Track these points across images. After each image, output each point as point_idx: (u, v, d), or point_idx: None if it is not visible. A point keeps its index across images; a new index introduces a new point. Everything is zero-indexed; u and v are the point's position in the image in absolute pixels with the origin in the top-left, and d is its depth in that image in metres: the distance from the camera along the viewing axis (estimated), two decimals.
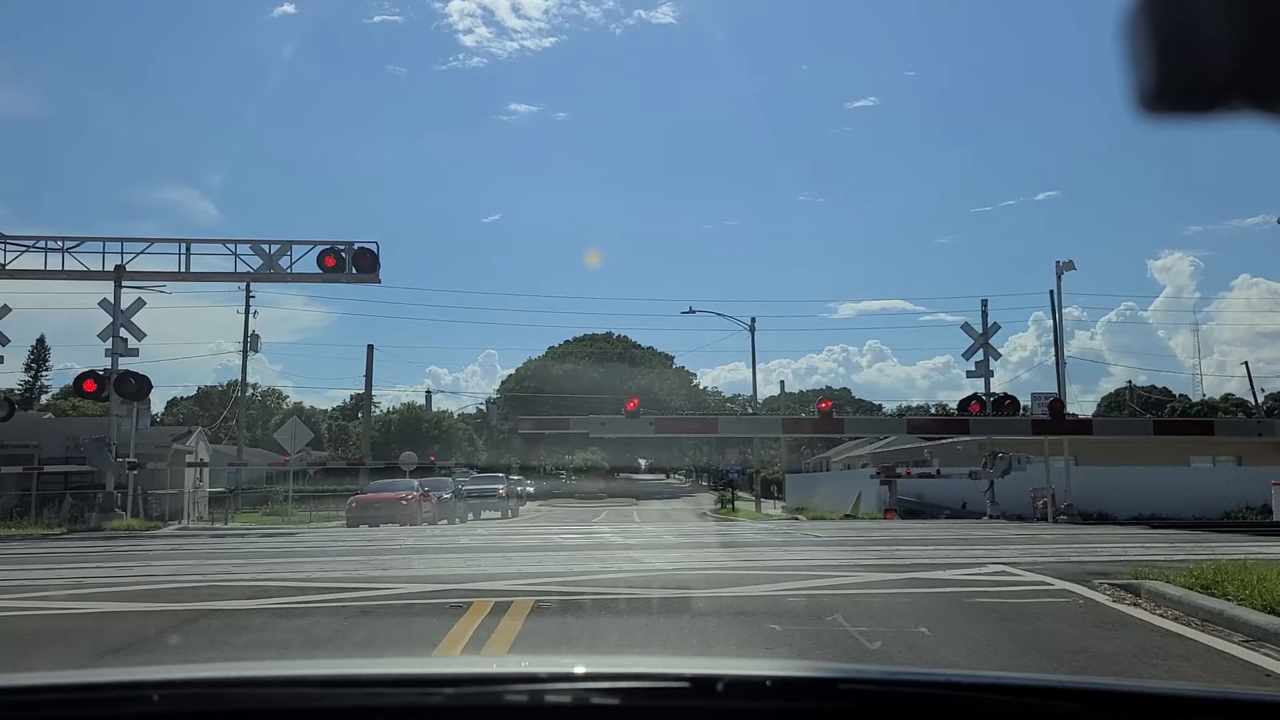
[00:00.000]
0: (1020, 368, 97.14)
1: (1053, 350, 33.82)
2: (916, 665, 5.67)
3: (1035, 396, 30.27)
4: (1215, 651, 6.21)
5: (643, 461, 75.05)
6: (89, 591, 9.47)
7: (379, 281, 27.13)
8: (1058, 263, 30.56)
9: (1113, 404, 73.07)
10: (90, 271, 26.51)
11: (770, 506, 44.33)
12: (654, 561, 12.29)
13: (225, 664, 3.95)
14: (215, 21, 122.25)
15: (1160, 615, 7.51)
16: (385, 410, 74.21)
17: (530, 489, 54.30)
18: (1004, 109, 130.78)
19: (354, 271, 26.55)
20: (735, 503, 43.59)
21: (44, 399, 68.43)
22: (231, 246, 26.98)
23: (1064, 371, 31.34)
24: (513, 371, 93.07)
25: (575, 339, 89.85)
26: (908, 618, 7.37)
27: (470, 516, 34.59)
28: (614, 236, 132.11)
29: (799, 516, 33.40)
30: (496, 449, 75.25)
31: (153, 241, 27.28)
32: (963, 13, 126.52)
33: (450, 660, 4.82)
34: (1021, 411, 29.82)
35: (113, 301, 25.89)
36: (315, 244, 26.70)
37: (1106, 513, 27.82)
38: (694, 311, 45.61)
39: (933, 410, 74.49)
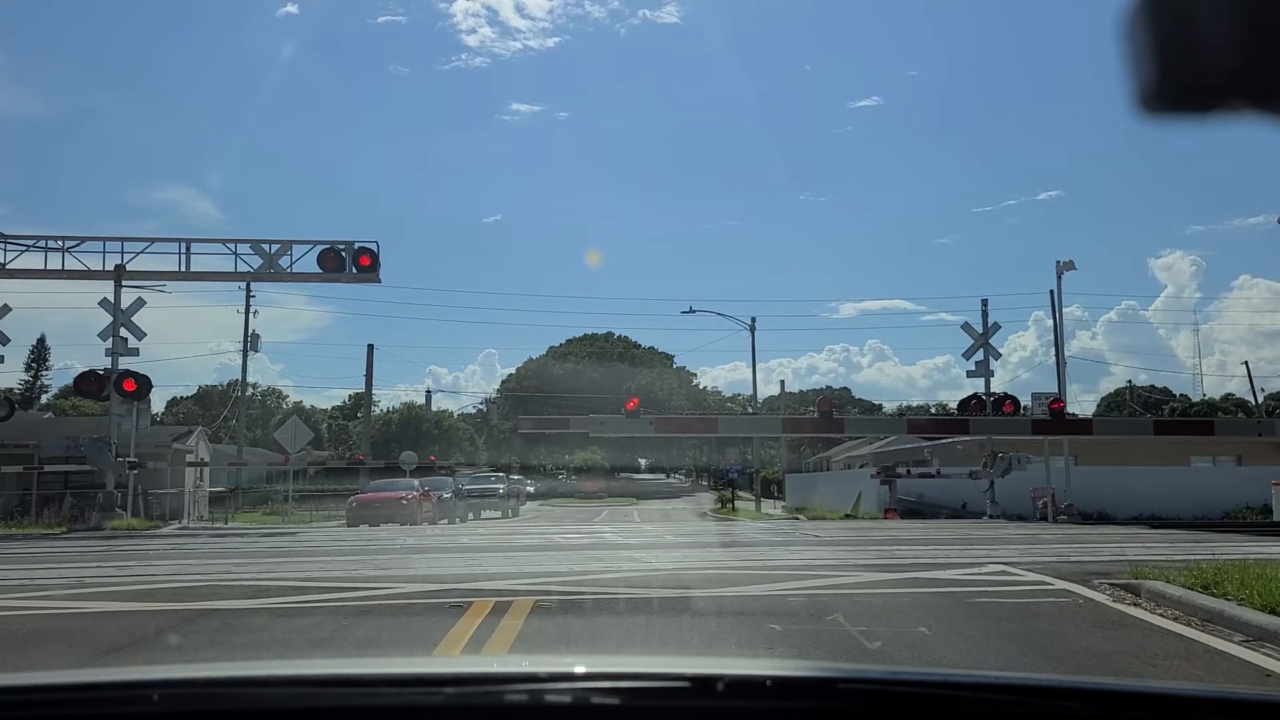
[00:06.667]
0: (1021, 367, 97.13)
1: (1053, 350, 33.84)
2: (916, 665, 5.67)
3: (1035, 396, 30.24)
4: (1215, 651, 6.21)
5: (643, 461, 75.07)
6: (89, 591, 9.47)
7: (379, 281, 27.12)
8: (1058, 262, 30.56)
9: (1113, 404, 73.08)
10: (90, 271, 26.51)
11: (770, 506, 44.32)
12: (654, 561, 12.29)
13: (225, 664, 3.95)
14: (217, 22, 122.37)
15: (1160, 615, 7.51)
16: (385, 410, 74.23)
17: (531, 488, 54.04)
18: (1006, 108, 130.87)
19: (354, 271, 26.53)
20: (735, 502, 43.58)
21: (44, 398, 68.47)
22: (232, 246, 26.98)
23: (1064, 371, 31.38)
24: (513, 371, 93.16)
25: (575, 338, 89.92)
26: (908, 617, 7.37)
27: (470, 516, 34.61)
28: (615, 236, 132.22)
29: (799, 516, 33.39)
30: (496, 449, 75.27)
31: (153, 241, 27.29)
32: (965, 13, 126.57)
33: (450, 660, 4.82)
34: (1022, 411, 29.80)
35: (113, 301, 25.88)
36: (315, 243, 26.68)
37: (1106, 513, 27.80)
38: (694, 311, 45.67)
39: (933, 410, 74.43)
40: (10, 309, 26.16)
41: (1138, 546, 13.92)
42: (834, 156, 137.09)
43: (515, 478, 48.64)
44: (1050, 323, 39.14)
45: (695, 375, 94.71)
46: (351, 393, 79.39)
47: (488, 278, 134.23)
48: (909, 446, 40.28)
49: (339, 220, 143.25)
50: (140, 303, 26.31)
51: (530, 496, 51.78)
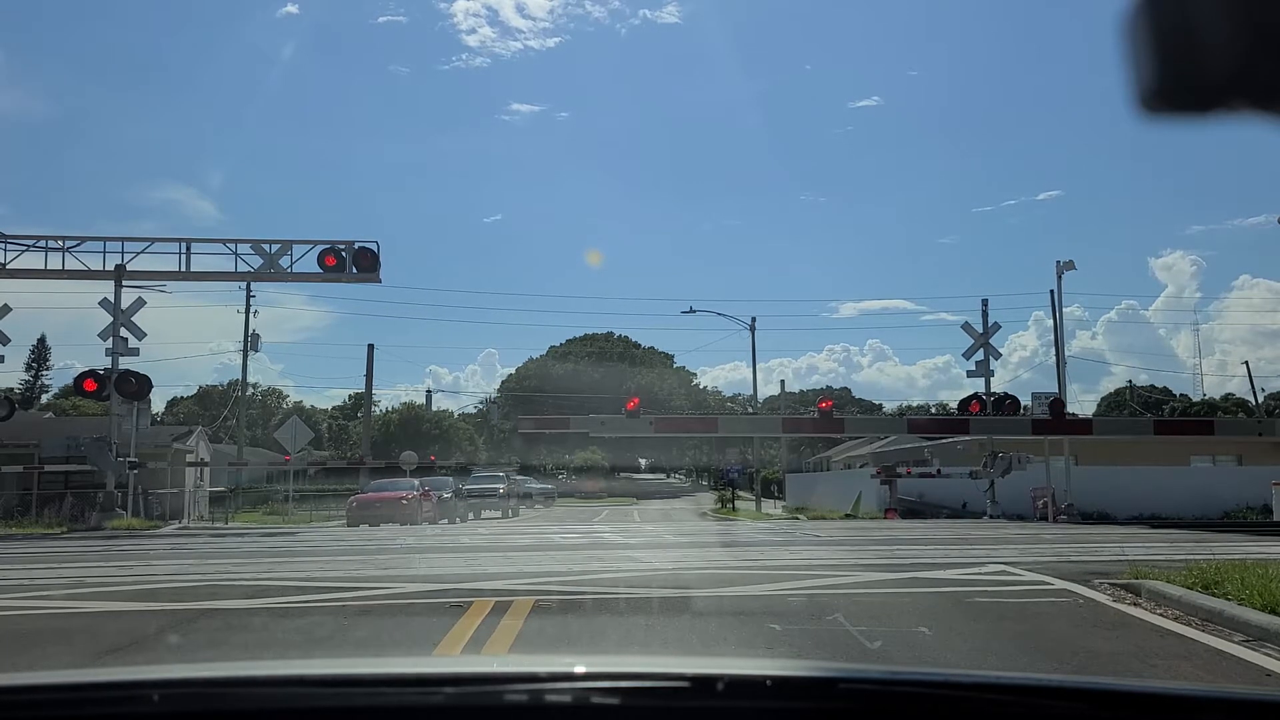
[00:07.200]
0: (1021, 367, 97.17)
1: (1053, 350, 33.83)
2: (917, 665, 5.67)
3: (1036, 396, 30.24)
4: (1215, 651, 6.21)
5: (643, 461, 75.00)
6: (89, 591, 9.47)
7: (379, 281, 27.14)
8: (1058, 262, 30.51)
9: (1113, 403, 73.08)
10: (90, 271, 26.52)
11: (770, 506, 44.31)
12: (654, 561, 12.29)
13: (225, 664, 3.95)
14: (217, 22, 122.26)
15: (1160, 615, 7.51)
16: (385, 410, 74.22)
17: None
18: (1006, 108, 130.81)
19: (354, 271, 26.55)
20: (735, 502, 43.56)
21: (44, 398, 68.56)
22: (232, 246, 27.00)
23: (1064, 371, 31.32)
24: (513, 371, 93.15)
25: (576, 338, 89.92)
26: (908, 617, 7.37)
27: (470, 516, 34.61)
28: (615, 236, 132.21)
29: (799, 516, 33.39)
30: (496, 449, 75.27)
31: (153, 241, 27.32)
32: (965, 12, 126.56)
33: (450, 660, 4.82)
34: (1022, 411, 29.79)
35: (113, 301, 25.89)
36: (316, 243, 26.70)
37: (1106, 512, 27.81)
38: (694, 311, 45.66)
39: (933, 410, 74.45)
40: (10, 309, 26.18)
41: (1138, 546, 13.91)
42: (834, 156, 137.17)
43: (520, 477, 48.66)
44: (1050, 323, 39.18)
45: (695, 375, 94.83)
46: (351, 393, 79.47)
47: (488, 278, 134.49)
48: (909, 446, 40.27)
49: (339, 220, 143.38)
50: (140, 303, 26.32)
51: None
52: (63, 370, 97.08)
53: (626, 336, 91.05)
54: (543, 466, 69.51)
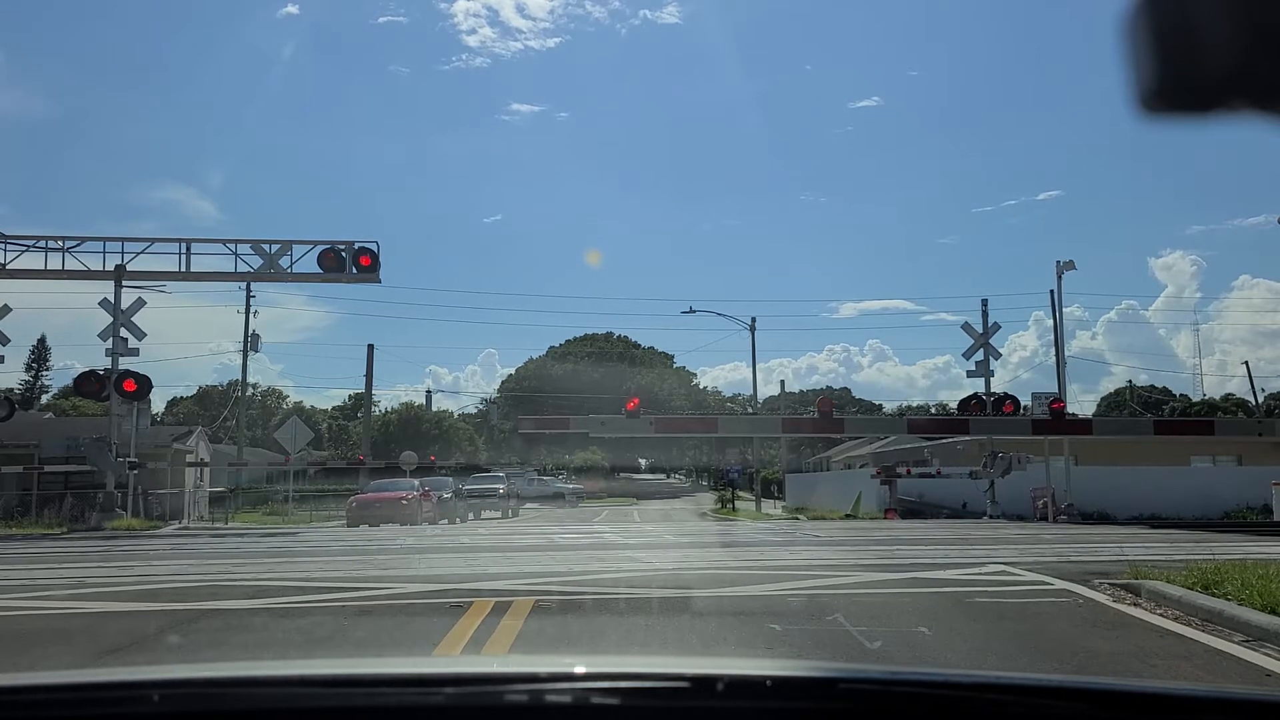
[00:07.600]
0: (1021, 367, 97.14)
1: (1053, 350, 33.85)
2: (916, 665, 5.67)
3: (1036, 396, 30.24)
4: (1215, 651, 6.21)
5: (643, 461, 75.02)
6: (89, 591, 9.47)
7: (379, 281, 27.15)
8: (1058, 262, 30.53)
9: (1113, 403, 73.07)
10: (90, 271, 26.52)
11: (770, 506, 44.30)
12: (654, 561, 12.29)
13: (225, 664, 3.95)
14: (217, 22, 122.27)
15: (1160, 615, 7.51)
16: (385, 410, 74.18)
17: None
18: (1006, 109, 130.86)
19: (354, 271, 26.55)
20: (735, 502, 43.54)
21: (44, 399, 68.54)
22: (232, 246, 26.99)
23: (1064, 371, 31.34)
24: (513, 371, 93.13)
25: (576, 338, 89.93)
26: (908, 617, 7.37)
27: (470, 516, 34.61)
28: (615, 236, 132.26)
29: (799, 516, 33.38)
30: (497, 449, 75.28)
31: (153, 241, 27.30)
32: (965, 12, 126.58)
33: (450, 660, 4.81)
34: (1022, 411, 29.79)
35: (113, 301, 25.89)
36: (316, 244, 26.70)
37: (1106, 513, 27.80)
38: (694, 311, 45.69)
39: (933, 410, 74.43)
40: (10, 309, 26.17)
41: (1138, 546, 13.91)
42: (834, 156, 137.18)
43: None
44: (1050, 323, 39.21)
45: (695, 375, 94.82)
46: (351, 393, 79.41)
47: (488, 278, 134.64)
48: (909, 446, 40.25)
49: (339, 220, 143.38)
50: (140, 303, 26.32)
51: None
52: (63, 370, 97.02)
53: (626, 336, 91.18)
54: (543, 466, 69.51)
